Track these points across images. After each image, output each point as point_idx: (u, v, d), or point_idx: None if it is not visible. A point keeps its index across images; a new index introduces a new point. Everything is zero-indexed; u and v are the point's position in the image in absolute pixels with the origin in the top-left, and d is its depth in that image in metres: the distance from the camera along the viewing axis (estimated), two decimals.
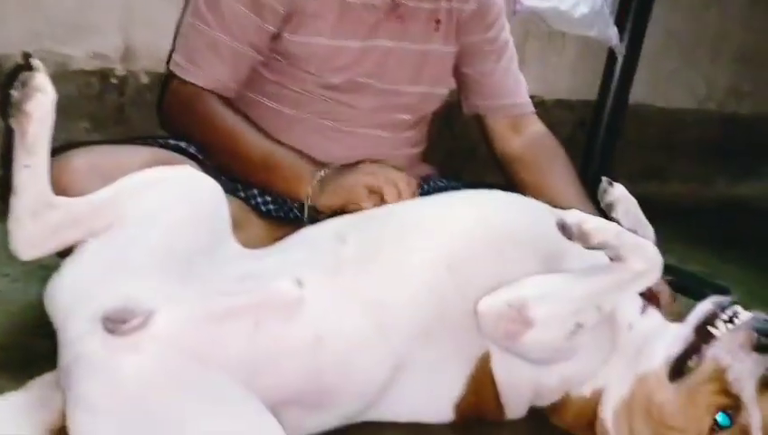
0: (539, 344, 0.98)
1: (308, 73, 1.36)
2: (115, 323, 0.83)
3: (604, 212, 1.23)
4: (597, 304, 0.98)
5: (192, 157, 1.30)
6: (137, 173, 1.01)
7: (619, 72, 2.37)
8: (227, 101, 1.34)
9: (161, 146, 1.31)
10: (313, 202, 1.23)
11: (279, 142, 1.30)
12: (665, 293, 1.21)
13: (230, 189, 1.33)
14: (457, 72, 1.52)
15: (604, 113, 2.42)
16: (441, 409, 1.05)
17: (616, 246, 0.99)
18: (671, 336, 1.03)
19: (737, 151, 2.91)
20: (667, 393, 0.99)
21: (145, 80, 1.84)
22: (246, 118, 1.33)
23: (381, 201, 1.15)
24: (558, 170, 1.46)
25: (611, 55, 2.39)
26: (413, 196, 1.18)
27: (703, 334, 0.99)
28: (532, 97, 2.45)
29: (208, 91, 1.32)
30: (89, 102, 1.79)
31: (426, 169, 1.60)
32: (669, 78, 2.70)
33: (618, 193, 1.20)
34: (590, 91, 2.48)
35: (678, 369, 0.99)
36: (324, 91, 1.37)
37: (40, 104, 0.89)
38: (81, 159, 1.14)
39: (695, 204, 2.79)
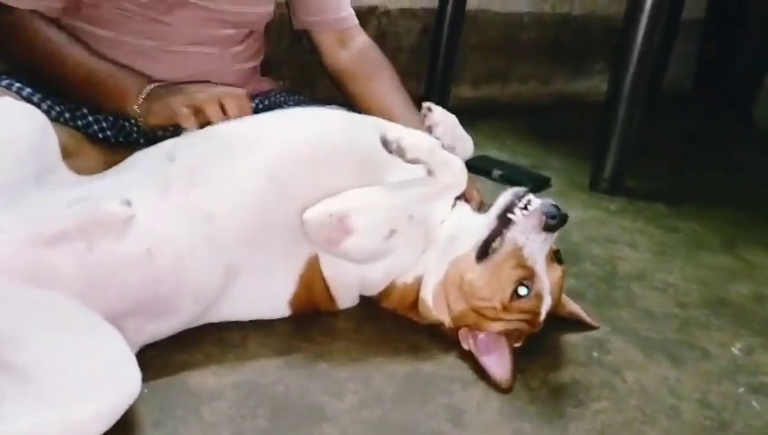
0: (358, 248, 1.12)
1: None
2: None
3: None
4: (409, 214, 1.13)
5: (17, 91, 1.29)
6: None
7: None
8: (53, 21, 1.31)
9: None
10: (141, 120, 1.25)
11: (106, 59, 1.29)
12: (470, 189, 1.37)
13: (63, 119, 1.34)
14: None
15: (445, 20, 2.53)
16: (277, 306, 1.17)
17: (427, 162, 1.13)
18: (477, 225, 1.19)
19: (571, 50, 3.12)
20: (475, 272, 1.16)
21: None
22: (73, 36, 1.31)
23: (205, 121, 1.19)
24: (384, 80, 1.55)
25: None
26: (241, 113, 1.21)
27: (504, 221, 1.16)
28: (377, 8, 2.53)
29: (31, 12, 1.28)
30: None
31: (265, 85, 1.64)
32: None
33: (436, 117, 1.35)
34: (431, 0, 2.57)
35: (484, 251, 1.16)
36: (138, 9, 1.34)
37: None
38: None
39: (534, 103, 3.02)
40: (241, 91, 1.25)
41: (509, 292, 1.13)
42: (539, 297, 1.15)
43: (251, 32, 1.53)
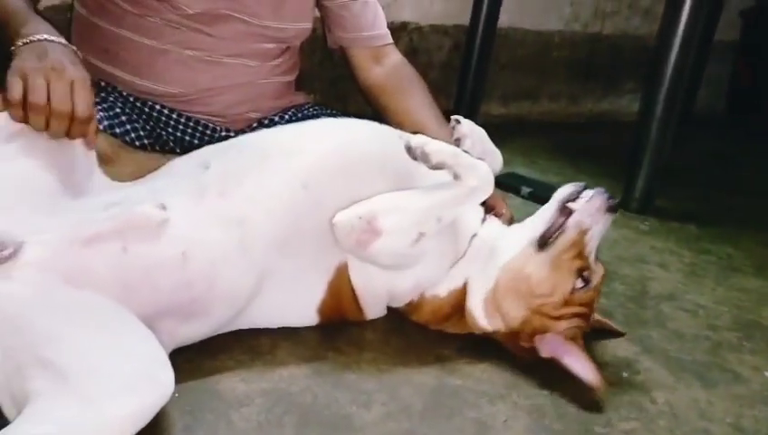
0: (387, 251, 1.12)
1: (165, 3, 1.36)
2: None
3: None
4: (437, 216, 1.13)
5: None
6: None
7: None
8: None
9: None
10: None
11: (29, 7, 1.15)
12: (500, 204, 1.37)
13: (101, 126, 1.37)
14: (319, 6, 1.57)
15: (476, 37, 2.54)
16: (306, 313, 1.18)
17: (452, 166, 1.14)
18: (532, 220, 1.22)
19: (601, 70, 3.12)
20: (535, 264, 1.17)
21: None
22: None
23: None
24: (415, 95, 1.56)
25: None
26: (84, 100, 1.02)
27: (565, 211, 1.18)
28: (408, 24, 2.55)
29: None
30: None
31: (300, 98, 1.66)
32: (536, 1, 2.84)
33: (464, 129, 1.36)
34: (463, 17, 2.59)
35: (545, 241, 1.18)
36: (183, 20, 1.37)
37: None
38: None
39: (563, 121, 3.01)
40: (84, 78, 1.05)
41: (571, 283, 1.15)
42: (596, 290, 1.16)
43: (288, 47, 1.56)
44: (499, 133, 1.49)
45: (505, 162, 1.43)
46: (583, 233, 1.17)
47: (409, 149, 1.15)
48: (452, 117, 1.40)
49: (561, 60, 2.99)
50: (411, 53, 2.53)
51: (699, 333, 1.39)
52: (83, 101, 1.03)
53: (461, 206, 1.17)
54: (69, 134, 1.03)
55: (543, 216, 1.21)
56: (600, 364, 1.23)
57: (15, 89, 0.98)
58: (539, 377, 1.17)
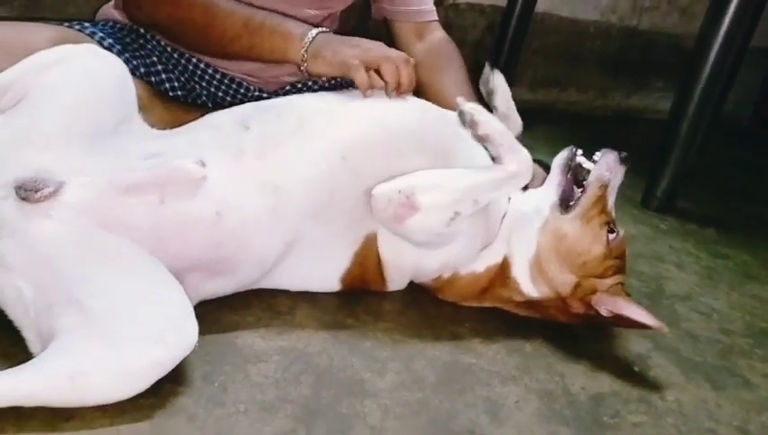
0: (422, 227, 1.12)
1: None
2: (27, 192, 0.90)
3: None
4: (474, 198, 1.14)
5: (99, 41, 1.32)
6: (43, 51, 1.05)
7: None
8: None
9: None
10: (304, 66, 1.22)
11: (254, 6, 1.27)
12: (538, 178, 1.36)
13: (138, 73, 1.38)
14: None
15: (512, 19, 2.52)
16: (329, 280, 1.20)
17: (496, 143, 1.14)
18: (545, 188, 1.27)
19: (633, 65, 3.08)
20: (567, 224, 1.21)
21: None
22: None
23: (377, 76, 1.18)
24: (452, 72, 1.55)
25: None
26: (410, 76, 1.21)
27: (574, 171, 1.25)
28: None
29: None
30: None
31: None
32: None
33: (498, 81, 1.36)
34: None
35: (566, 203, 1.23)
36: None
37: None
38: None
39: (590, 113, 2.99)
40: (407, 58, 1.24)
41: (604, 236, 1.20)
42: (625, 238, 1.23)
43: (329, 14, 1.55)
44: (524, 119, 1.47)
45: (530, 149, 1.41)
46: (605, 187, 1.23)
47: (461, 114, 1.17)
48: (486, 63, 1.40)
49: (594, 51, 2.95)
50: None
51: (712, 336, 1.40)
52: (407, 74, 1.21)
53: (499, 190, 1.18)
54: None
55: (553, 182, 1.26)
56: (613, 357, 1.25)
57: (363, 73, 1.18)
58: (550, 362, 1.18)
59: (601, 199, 1.23)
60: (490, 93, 1.35)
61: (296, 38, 1.22)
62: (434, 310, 1.26)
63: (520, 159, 1.16)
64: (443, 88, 1.53)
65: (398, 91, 1.22)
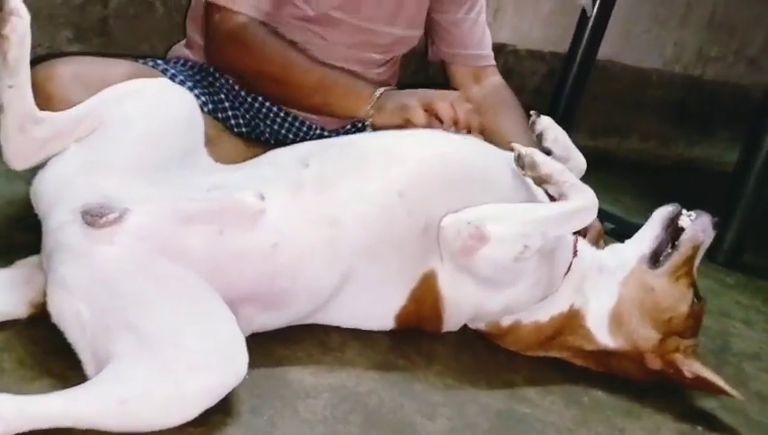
0: (490, 261, 1.11)
1: (288, 3, 1.39)
2: (93, 217, 0.93)
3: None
4: (542, 231, 1.12)
5: (171, 78, 1.37)
6: (118, 84, 1.09)
7: (590, 28, 2.44)
8: (272, 29, 1.36)
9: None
10: (370, 119, 1.29)
11: (330, 66, 1.34)
12: (594, 228, 1.34)
13: (206, 109, 1.42)
14: (428, 18, 1.57)
15: (573, 66, 2.50)
16: (383, 317, 1.18)
17: (558, 182, 1.13)
18: (636, 240, 1.25)
19: (697, 114, 3.02)
20: (655, 279, 1.20)
21: None
22: (293, 44, 1.36)
23: (436, 119, 1.23)
24: (511, 117, 1.54)
25: (584, 11, 2.46)
26: (467, 115, 1.25)
27: (673, 228, 1.24)
28: (506, 45, 2.54)
29: (256, 20, 1.33)
30: (72, 12, 1.82)
31: None
32: (639, 38, 2.78)
33: (545, 122, 1.35)
34: (561, 45, 2.56)
35: (657, 258, 1.22)
36: (300, 22, 1.41)
37: (16, 28, 0.93)
38: (66, 69, 1.19)
39: (651, 162, 2.93)
40: (461, 95, 1.30)
41: (690, 295, 1.19)
42: (705, 303, 1.22)
43: (392, 57, 1.57)
44: None
45: None
46: (696, 248, 1.22)
47: (519, 157, 1.16)
48: (531, 112, 1.40)
49: (656, 99, 2.91)
50: (504, 75, 2.46)
51: None
52: (463, 111, 1.26)
53: (567, 225, 1.16)
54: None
55: (649, 234, 1.24)
56: (676, 415, 1.19)
57: (421, 113, 1.23)
58: (609, 416, 1.13)
59: (691, 260, 1.23)
60: (540, 138, 1.34)
61: (365, 98, 1.29)
62: (488, 356, 1.23)
63: (585, 196, 1.14)
64: (500, 133, 1.52)
65: (456, 128, 1.24)
